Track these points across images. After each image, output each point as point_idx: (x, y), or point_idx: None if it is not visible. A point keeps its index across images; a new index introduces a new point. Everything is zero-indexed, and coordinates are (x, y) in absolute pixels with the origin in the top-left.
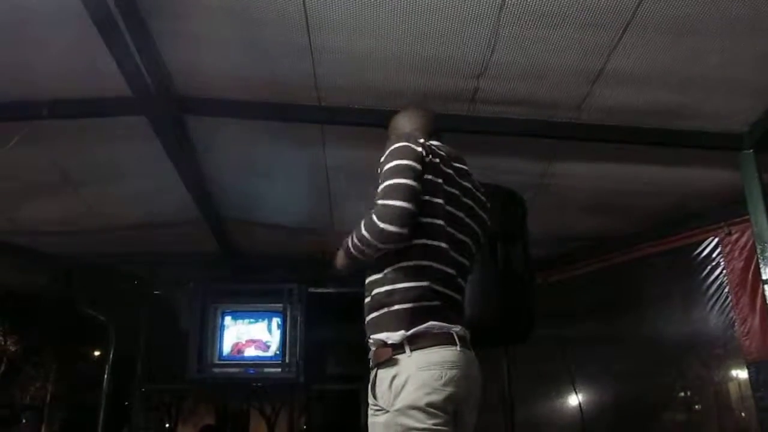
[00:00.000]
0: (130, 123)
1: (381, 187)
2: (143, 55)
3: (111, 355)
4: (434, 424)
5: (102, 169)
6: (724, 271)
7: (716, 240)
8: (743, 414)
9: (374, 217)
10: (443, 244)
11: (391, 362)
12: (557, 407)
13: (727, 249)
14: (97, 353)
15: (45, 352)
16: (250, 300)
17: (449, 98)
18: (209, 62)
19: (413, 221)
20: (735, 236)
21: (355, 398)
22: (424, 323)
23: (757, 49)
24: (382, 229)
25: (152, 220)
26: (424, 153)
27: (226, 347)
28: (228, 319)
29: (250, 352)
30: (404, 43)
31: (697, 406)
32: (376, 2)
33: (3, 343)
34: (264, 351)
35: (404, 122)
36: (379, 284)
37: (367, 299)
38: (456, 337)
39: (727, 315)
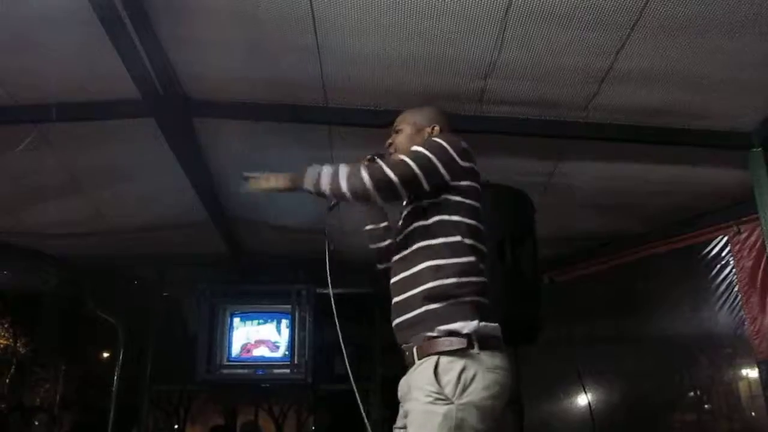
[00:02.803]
0: (138, 125)
1: (412, 148)
2: (151, 58)
3: (120, 357)
4: (488, 427)
5: (110, 171)
6: (734, 270)
7: (725, 239)
8: (753, 413)
9: (383, 165)
10: (484, 248)
11: (460, 353)
12: (566, 407)
13: (737, 248)
14: (106, 355)
15: (54, 353)
16: (258, 301)
17: (457, 98)
18: (216, 64)
19: (414, 190)
20: (744, 235)
21: (364, 398)
22: (488, 320)
23: (765, 47)
24: (390, 179)
25: (161, 221)
26: (460, 159)
27: (235, 348)
28: (237, 321)
29: (259, 352)
30: (411, 44)
31: (706, 406)
32: (384, 3)
33: (13, 345)
34: (273, 351)
35: (440, 118)
36: (444, 275)
37: (423, 288)
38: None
39: (737, 314)
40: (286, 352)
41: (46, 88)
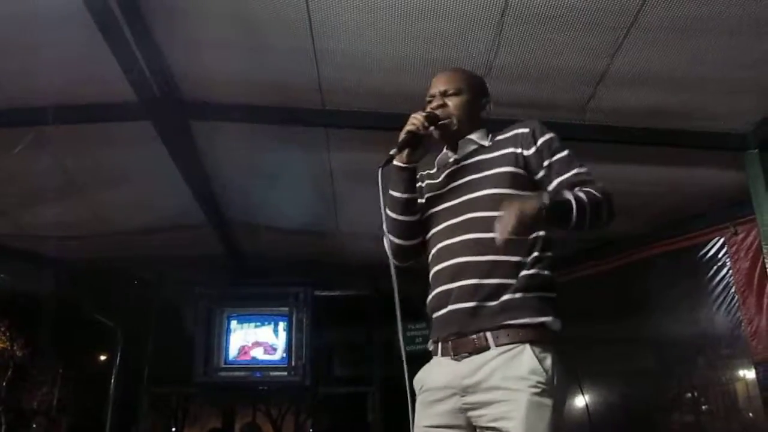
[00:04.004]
0: (135, 128)
1: (570, 154)
2: (148, 60)
3: (118, 359)
4: None
5: (108, 173)
6: (731, 271)
7: (722, 240)
8: (751, 414)
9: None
10: None
11: (548, 345)
12: (565, 407)
13: (733, 249)
14: (103, 357)
15: (52, 356)
16: (256, 303)
17: None
18: (214, 67)
19: None
20: (741, 236)
21: (362, 401)
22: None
23: (761, 49)
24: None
25: (158, 224)
26: None
27: (233, 351)
28: (234, 323)
29: (257, 354)
30: (407, 46)
31: (704, 407)
32: (379, 6)
33: (10, 347)
34: (270, 354)
35: (487, 89)
36: (543, 267)
37: (522, 275)
38: None
39: (734, 315)
40: (284, 355)
41: (43, 91)
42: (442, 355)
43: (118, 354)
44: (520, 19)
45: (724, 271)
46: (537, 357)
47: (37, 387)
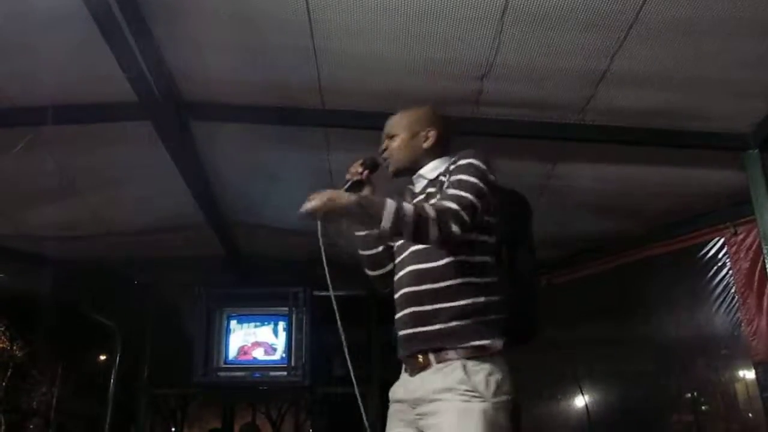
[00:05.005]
0: (134, 128)
1: (462, 192)
2: (148, 60)
3: (117, 360)
4: (511, 428)
5: (106, 174)
6: (730, 272)
7: (722, 240)
8: (750, 415)
9: (455, 216)
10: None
11: (485, 357)
12: (563, 409)
13: (733, 249)
14: (102, 357)
15: (50, 357)
16: (255, 303)
17: (453, 100)
18: (214, 67)
19: (474, 221)
20: (741, 236)
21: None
22: (506, 333)
23: (762, 49)
24: (452, 232)
25: (157, 224)
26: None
27: (232, 351)
28: (234, 323)
29: (257, 354)
30: (408, 46)
31: (703, 407)
32: (380, 6)
33: (9, 348)
34: (270, 354)
35: (436, 120)
36: (470, 294)
37: (457, 303)
38: None
39: (734, 315)
40: (284, 355)
41: (42, 91)
42: (404, 371)
43: (118, 354)
44: (521, 19)
45: (724, 271)
46: (468, 370)
47: (36, 387)
